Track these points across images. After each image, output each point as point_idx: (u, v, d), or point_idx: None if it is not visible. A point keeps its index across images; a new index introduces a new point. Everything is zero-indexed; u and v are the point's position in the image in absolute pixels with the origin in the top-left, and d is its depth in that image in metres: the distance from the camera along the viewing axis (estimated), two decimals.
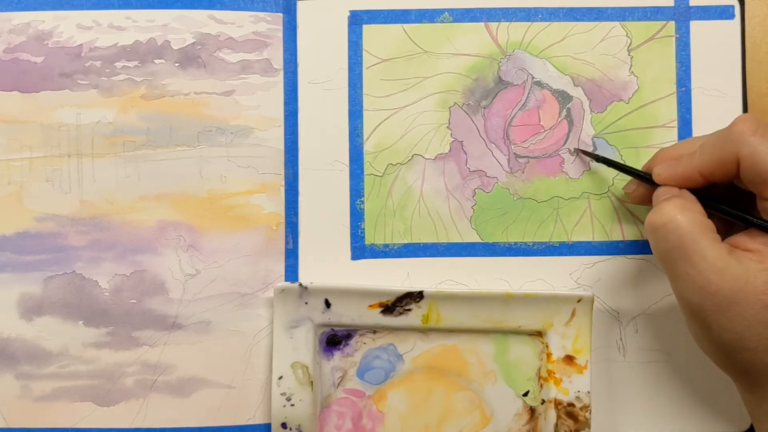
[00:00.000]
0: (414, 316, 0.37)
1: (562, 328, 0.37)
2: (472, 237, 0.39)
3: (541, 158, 0.39)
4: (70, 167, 0.38)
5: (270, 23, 0.39)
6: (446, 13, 0.39)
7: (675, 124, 0.39)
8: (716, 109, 0.39)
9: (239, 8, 0.39)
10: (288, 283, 0.37)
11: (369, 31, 0.39)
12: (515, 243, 0.39)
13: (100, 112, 0.38)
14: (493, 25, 0.39)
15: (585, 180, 0.39)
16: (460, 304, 0.37)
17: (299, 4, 0.39)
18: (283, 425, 0.37)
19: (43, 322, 0.38)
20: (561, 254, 0.39)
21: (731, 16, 0.39)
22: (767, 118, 0.39)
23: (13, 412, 0.38)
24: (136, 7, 0.39)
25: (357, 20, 0.39)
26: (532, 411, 0.38)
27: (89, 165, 0.38)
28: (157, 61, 0.39)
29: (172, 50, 0.39)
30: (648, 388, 0.39)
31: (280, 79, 0.39)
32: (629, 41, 0.39)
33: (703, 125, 0.39)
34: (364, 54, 0.39)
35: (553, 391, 0.37)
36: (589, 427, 0.36)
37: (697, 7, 0.39)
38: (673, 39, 0.39)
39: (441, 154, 0.39)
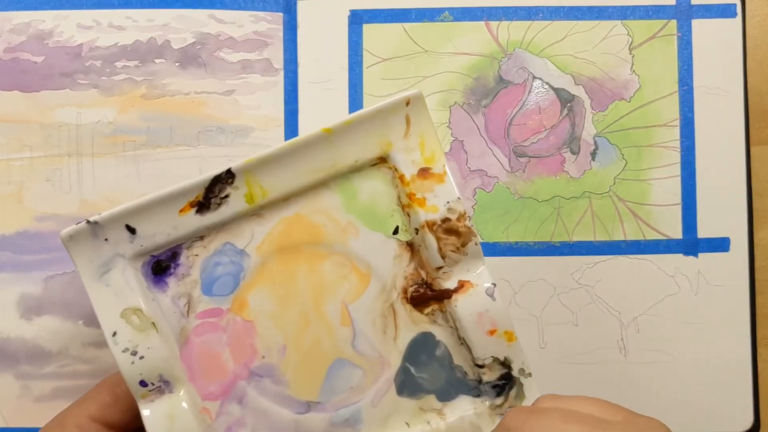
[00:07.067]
0: (235, 200, 0.31)
1: (403, 141, 0.32)
2: None
3: (542, 157, 0.39)
4: (70, 167, 0.38)
5: (270, 23, 0.39)
6: (446, 12, 0.39)
7: (677, 122, 0.39)
8: (718, 108, 0.38)
9: (239, 8, 0.39)
10: (73, 226, 0.30)
11: (369, 30, 0.39)
12: (516, 243, 0.39)
13: (101, 112, 0.38)
14: (494, 24, 0.39)
15: (586, 179, 0.39)
16: (279, 166, 0.31)
17: (299, 4, 0.39)
18: (142, 383, 0.30)
19: (43, 321, 0.38)
20: (562, 254, 0.39)
21: (733, 15, 0.39)
22: (767, 119, 0.39)
23: (13, 412, 0.38)
24: (137, 7, 0.39)
25: (357, 20, 0.39)
26: (411, 246, 0.33)
27: (89, 165, 0.38)
28: (157, 60, 0.39)
29: (172, 50, 0.39)
30: (649, 388, 0.38)
31: (280, 78, 0.39)
32: (631, 40, 0.39)
33: (706, 124, 0.39)
34: (365, 53, 0.39)
35: (421, 215, 0.32)
36: (474, 235, 0.32)
37: (699, 6, 0.39)
38: (675, 37, 0.39)
39: None
